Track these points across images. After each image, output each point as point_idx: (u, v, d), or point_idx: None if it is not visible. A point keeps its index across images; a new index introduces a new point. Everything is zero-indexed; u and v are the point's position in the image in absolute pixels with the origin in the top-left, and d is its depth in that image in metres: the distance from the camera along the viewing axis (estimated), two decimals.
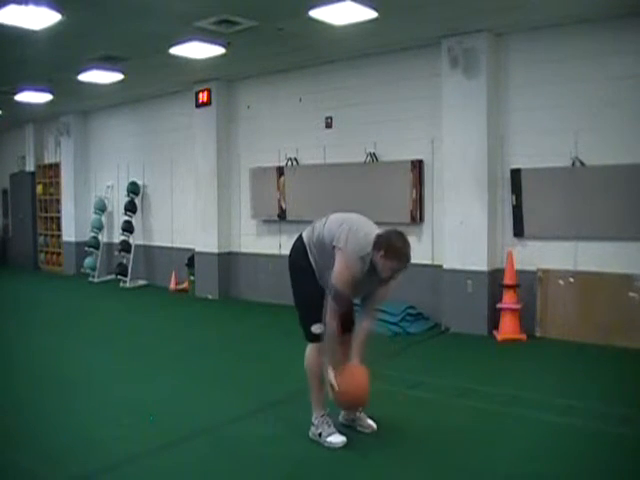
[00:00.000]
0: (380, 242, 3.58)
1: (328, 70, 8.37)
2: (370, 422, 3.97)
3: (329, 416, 3.83)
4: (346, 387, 3.68)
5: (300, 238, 3.94)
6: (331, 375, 3.66)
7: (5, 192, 15.20)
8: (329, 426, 3.79)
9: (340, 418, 4.04)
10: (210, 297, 9.64)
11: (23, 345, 6.62)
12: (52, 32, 6.42)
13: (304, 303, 3.85)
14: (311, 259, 3.81)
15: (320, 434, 3.77)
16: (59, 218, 13.35)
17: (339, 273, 3.59)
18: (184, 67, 8.38)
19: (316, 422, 3.81)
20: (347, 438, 3.78)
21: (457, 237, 7.02)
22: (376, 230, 3.72)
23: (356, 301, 3.96)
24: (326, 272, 3.70)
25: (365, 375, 3.76)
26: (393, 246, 3.57)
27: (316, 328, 3.73)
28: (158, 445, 3.80)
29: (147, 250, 11.29)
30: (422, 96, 7.47)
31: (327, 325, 3.64)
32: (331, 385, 3.67)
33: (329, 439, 3.73)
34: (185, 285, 10.31)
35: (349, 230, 3.67)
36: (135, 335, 7.20)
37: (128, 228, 11.16)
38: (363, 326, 3.87)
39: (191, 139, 9.96)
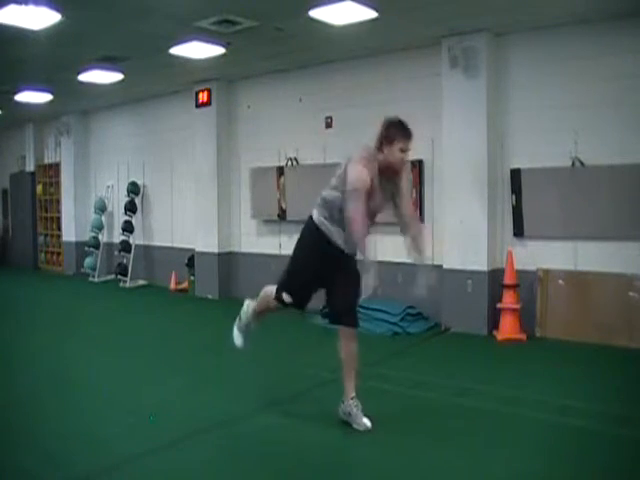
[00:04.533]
0: (380, 135, 3.84)
1: (328, 70, 8.37)
2: (365, 420, 3.96)
3: (250, 327, 4.39)
4: None
5: (309, 217, 4.11)
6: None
7: (5, 192, 15.19)
8: (246, 328, 4.39)
9: (340, 411, 4.07)
10: (210, 297, 9.64)
11: (23, 345, 6.61)
12: (52, 32, 6.42)
13: (293, 269, 4.15)
14: (324, 227, 3.96)
15: (239, 321, 4.39)
16: (59, 218, 13.35)
17: (354, 172, 3.77)
18: (184, 67, 8.38)
19: (249, 309, 4.40)
20: (345, 436, 3.80)
21: (457, 237, 7.03)
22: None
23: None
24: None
25: None
26: (393, 128, 3.83)
27: (286, 297, 4.12)
28: (159, 445, 3.80)
29: (147, 250, 11.29)
30: (422, 96, 7.46)
31: (353, 223, 3.73)
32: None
33: (236, 335, 4.39)
34: (185, 285, 10.31)
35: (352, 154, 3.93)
36: (135, 335, 7.20)
37: (128, 228, 11.16)
38: (414, 230, 4.11)
39: (191, 139, 9.96)
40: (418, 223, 4.23)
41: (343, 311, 4.03)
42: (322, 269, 4.04)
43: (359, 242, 3.78)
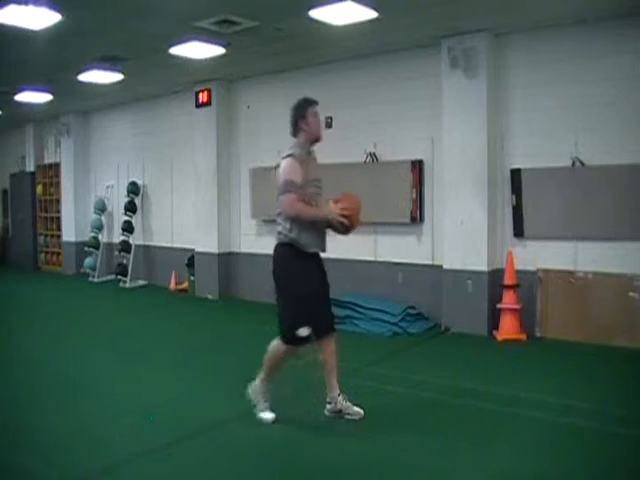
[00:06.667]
0: (294, 114, 4.45)
1: (328, 70, 8.36)
2: (357, 409, 4.18)
3: (269, 393, 4.16)
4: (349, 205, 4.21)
5: (276, 246, 4.16)
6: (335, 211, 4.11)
7: (5, 192, 15.20)
8: (265, 402, 4.14)
9: (326, 412, 4.23)
10: (210, 297, 9.64)
11: (23, 345, 6.62)
12: (52, 32, 6.43)
13: (295, 301, 3.99)
14: (297, 237, 4.00)
15: (256, 404, 4.13)
16: (59, 218, 13.35)
17: (285, 167, 4.38)
18: (184, 67, 8.38)
19: (259, 385, 4.14)
20: (343, 437, 3.80)
21: (457, 237, 7.02)
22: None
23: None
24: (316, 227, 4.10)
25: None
26: (302, 101, 4.41)
27: (303, 331, 3.92)
28: (158, 445, 3.81)
29: (147, 250, 11.29)
30: (422, 96, 7.47)
31: (294, 210, 4.04)
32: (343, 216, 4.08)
33: (261, 415, 4.10)
34: (185, 285, 10.31)
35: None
36: (135, 335, 7.20)
37: (128, 228, 11.16)
38: None
39: (191, 139, 9.96)
40: None
41: (332, 318, 4.23)
42: (319, 278, 4.13)
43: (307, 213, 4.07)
